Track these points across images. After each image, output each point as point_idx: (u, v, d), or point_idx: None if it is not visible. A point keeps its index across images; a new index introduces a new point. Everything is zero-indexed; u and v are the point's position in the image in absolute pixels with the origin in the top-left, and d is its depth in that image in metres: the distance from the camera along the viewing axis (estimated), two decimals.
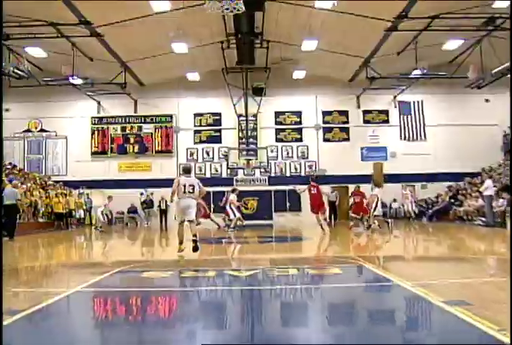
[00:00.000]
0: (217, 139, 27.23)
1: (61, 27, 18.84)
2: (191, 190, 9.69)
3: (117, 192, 25.26)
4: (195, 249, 9.44)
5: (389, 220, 16.59)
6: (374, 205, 16.12)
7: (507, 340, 3.72)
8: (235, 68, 25.02)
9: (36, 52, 21.15)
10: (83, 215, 24.58)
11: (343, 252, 11.03)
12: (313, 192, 16.70)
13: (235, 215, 18.62)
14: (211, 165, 27.13)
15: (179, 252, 9.76)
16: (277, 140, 27.27)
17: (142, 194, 25.97)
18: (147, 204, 25.85)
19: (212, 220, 19.36)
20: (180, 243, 9.90)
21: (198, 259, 9.28)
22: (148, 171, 26.85)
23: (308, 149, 27.22)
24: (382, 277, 6.70)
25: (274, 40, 22.50)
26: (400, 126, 27.15)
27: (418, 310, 5.18)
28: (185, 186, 9.67)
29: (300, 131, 27.38)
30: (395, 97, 27.06)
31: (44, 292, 6.14)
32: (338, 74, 26.00)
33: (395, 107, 27.23)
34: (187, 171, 10.30)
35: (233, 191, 19.39)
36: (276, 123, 27.37)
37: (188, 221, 9.76)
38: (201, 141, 27.29)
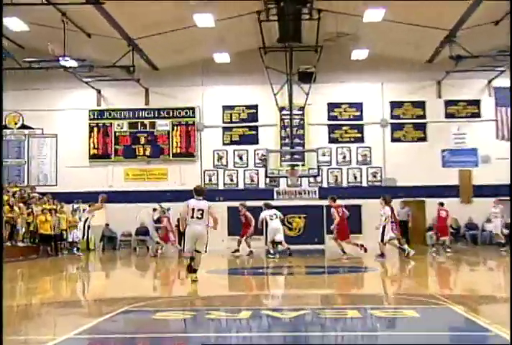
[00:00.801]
0: (253, 139, 27.31)
1: None
2: (199, 216, 10.99)
3: (123, 207, 25.51)
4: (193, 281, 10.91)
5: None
6: (381, 229, 17.02)
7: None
8: (276, 47, 25.13)
9: (14, 24, 20.69)
10: (77, 238, 24.81)
11: (419, 289, 10.97)
12: (340, 214, 18.65)
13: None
14: (244, 173, 27.21)
15: (192, 281, 10.87)
16: (331, 140, 27.18)
17: (155, 210, 26.04)
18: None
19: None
20: (193, 271, 11.12)
21: (228, 295, 9.25)
22: (163, 180, 27.08)
23: (371, 151, 27.06)
24: (476, 324, 6.55)
25: (327, 9, 22.42)
26: (497, 121, 26.75)
27: None
28: (193, 210, 11.02)
29: (360, 128, 27.24)
30: (489, 82, 26.71)
31: (23, 340, 6.12)
32: (412, 53, 25.77)
33: (490, 96, 26.89)
34: (198, 193, 11.39)
35: (270, 207, 20.03)
36: (329, 118, 27.30)
37: (196, 251, 11.17)
38: (232, 142, 27.40)
